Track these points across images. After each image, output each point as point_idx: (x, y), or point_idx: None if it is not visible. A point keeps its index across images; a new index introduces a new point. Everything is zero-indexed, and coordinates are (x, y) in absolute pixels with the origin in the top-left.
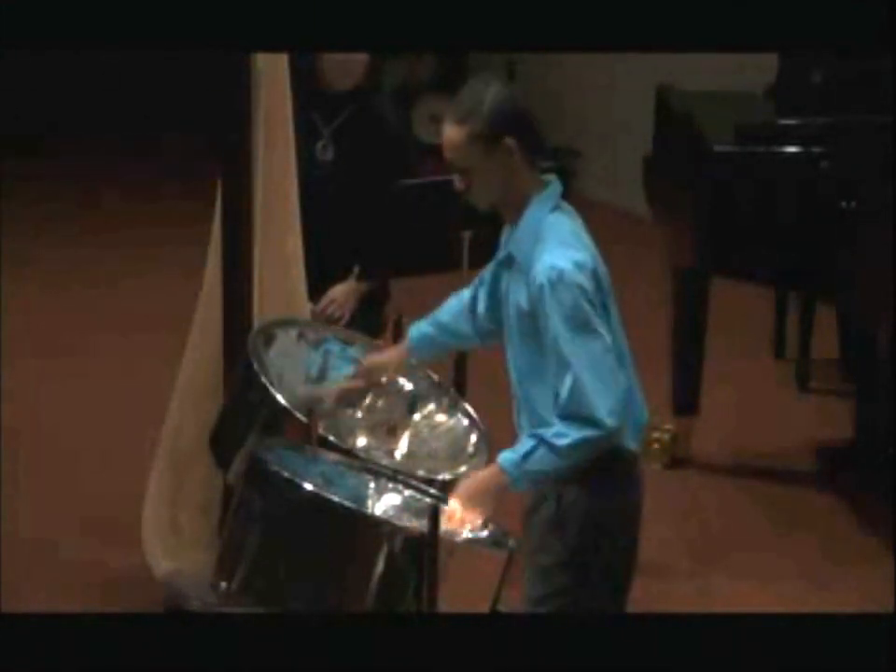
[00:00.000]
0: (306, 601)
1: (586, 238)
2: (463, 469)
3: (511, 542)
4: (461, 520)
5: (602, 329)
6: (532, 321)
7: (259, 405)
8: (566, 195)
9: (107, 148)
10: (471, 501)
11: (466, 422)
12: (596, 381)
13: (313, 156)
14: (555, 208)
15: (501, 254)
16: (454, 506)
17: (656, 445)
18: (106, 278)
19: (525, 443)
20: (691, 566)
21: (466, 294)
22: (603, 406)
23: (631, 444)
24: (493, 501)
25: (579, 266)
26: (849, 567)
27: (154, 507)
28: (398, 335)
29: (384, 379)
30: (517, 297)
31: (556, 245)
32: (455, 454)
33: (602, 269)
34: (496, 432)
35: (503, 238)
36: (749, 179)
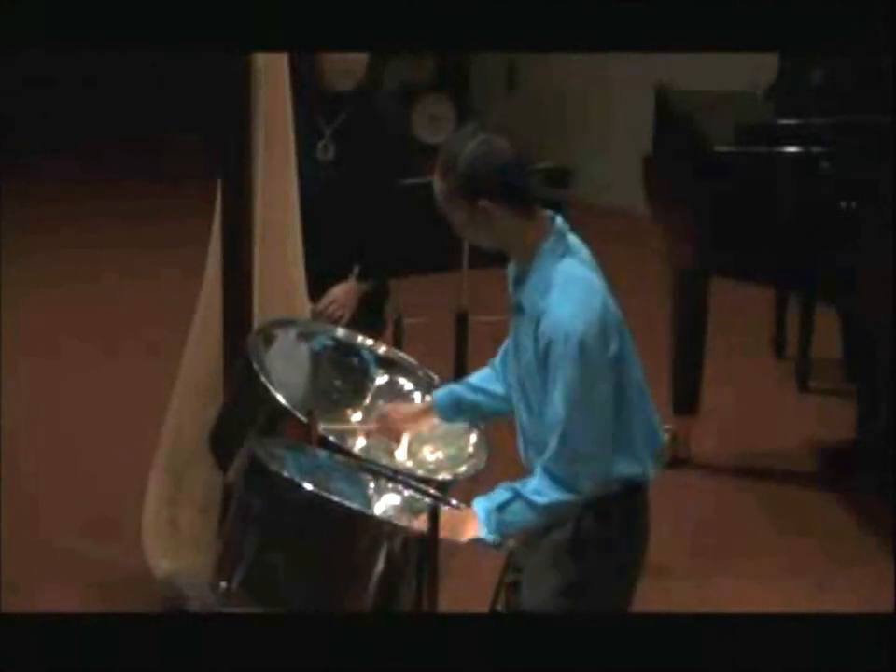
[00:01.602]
0: (306, 601)
1: (597, 282)
2: (462, 469)
3: (511, 542)
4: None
5: (603, 392)
6: (537, 372)
7: (258, 405)
8: (564, 198)
9: (107, 148)
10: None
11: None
12: (586, 446)
13: (313, 156)
14: (565, 254)
15: (512, 300)
16: None
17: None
18: (106, 278)
19: (500, 494)
20: (691, 566)
21: (498, 363)
22: (587, 474)
23: (651, 473)
24: (457, 536)
25: (585, 325)
26: (849, 567)
27: (154, 507)
28: (398, 335)
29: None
30: (526, 346)
31: (565, 300)
32: (455, 454)
33: (612, 314)
34: (495, 432)
35: (509, 272)
36: (749, 179)
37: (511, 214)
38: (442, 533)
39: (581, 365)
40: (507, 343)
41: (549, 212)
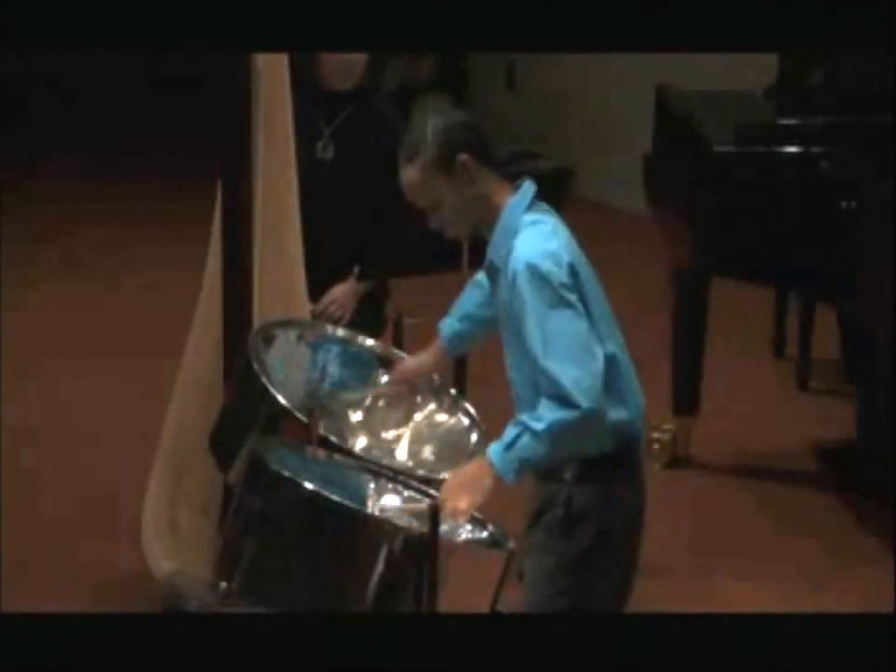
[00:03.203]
0: (306, 601)
1: (563, 233)
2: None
3: (511, 542)
4: (451, 512)
5: (575, 312)
6: (517, 321)
7: (259, 405)
8: (565, 197)
9: (108, 148)
10: (459, 491)
11: (466, 421)
12: (568, 362)
13: (313, 156)
14: (529, 209)
15: (484, 266)
16: (443, 496)
17: (656, 445)
18: (106, 278)
19: (508, 432)
20: (691, 566)
21: (482, 279)
22: (575, 386)
23: (635, 427)
24: (480, 492)
25: (550, 256)
26: (849, 567)
27: (154, 507)
28: (398, 335)
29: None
30: (504, 300)
31: (529, 238)
32: (456, 453)
33: (580, 260)
34: (496, 432)
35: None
36: (749, 179)
37: (485, 169)
38: (459, 486)
39: (546, 287)
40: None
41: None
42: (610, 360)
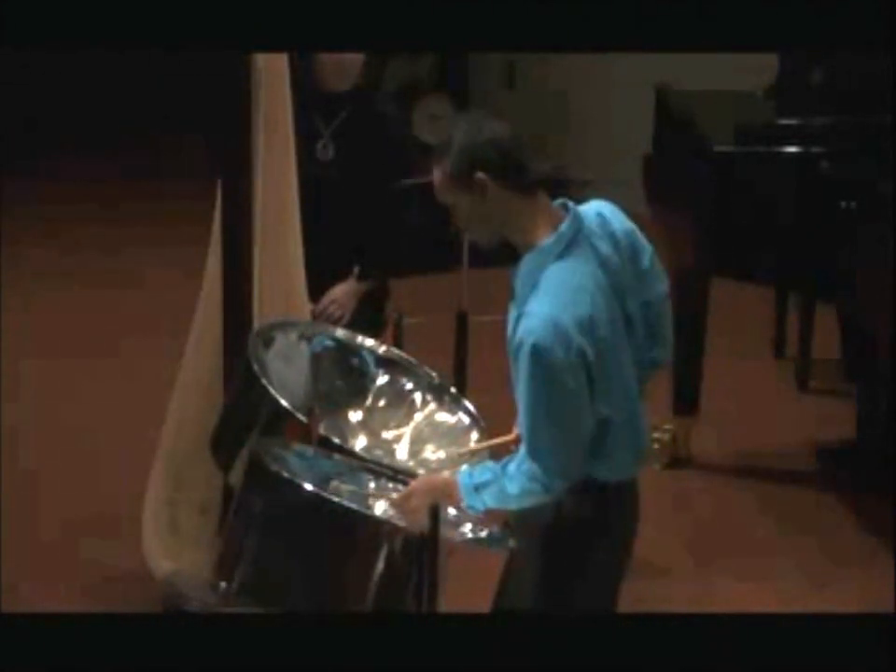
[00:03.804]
0: (306, 601)
1: (589, 290)
2: (464, 468)
3: (511, 542)
4: (405, 508)
5: (566, 396)
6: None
7: (259, 406)
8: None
9: (107, 148)
10: (424, 494)
11: (467, 420)
12: (550, 444)
13: (313, 156)
14: (563, 255)
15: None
16: (408, 490)
17: (656, 445)
18: (106, 278)
19: (482, 473)
20: (691, 566)
21: None
22: (555, 473)
23: (631, 472)
24: (441, 502)
25: (558, 335)
26: (849, 567)
27: (154, 507)
28: (398, 335)
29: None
30: (510, 333)
31: (545, 302)
32: (456, 453)
33: (600, 318)
34: (496, 431)
35: None
36: (749, 179)
37: (507, 191)
38: (427, 490)
39: (544, 371)
40: None
41: (561, 201)
42: (602, 423)
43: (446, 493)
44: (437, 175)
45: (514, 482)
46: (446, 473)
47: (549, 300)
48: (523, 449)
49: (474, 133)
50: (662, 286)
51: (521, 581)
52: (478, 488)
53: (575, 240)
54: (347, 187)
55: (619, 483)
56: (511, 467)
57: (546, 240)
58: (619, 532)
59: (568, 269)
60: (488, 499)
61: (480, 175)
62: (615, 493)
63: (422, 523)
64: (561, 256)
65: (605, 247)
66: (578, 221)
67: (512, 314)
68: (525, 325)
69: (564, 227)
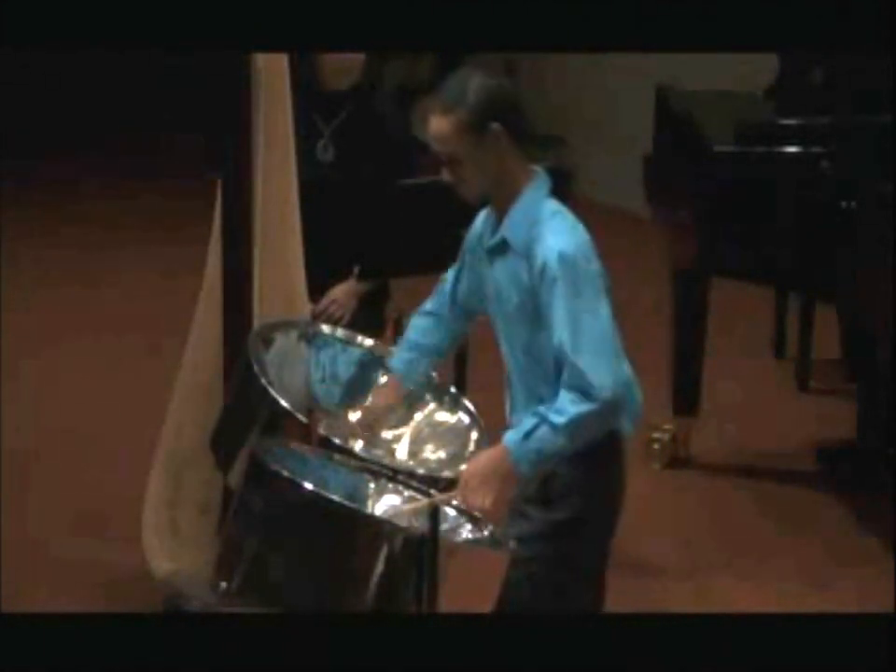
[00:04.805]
0: (306, 601)
1: (581, 226)
2: (464, 467)
3: (512, 542)
4: (479, 511)
5: (604, 308)
6: (532, 300)
7: (258, 406)
8: (565, 196)
9: (107, 148)
10: (480, 486)
11: (467, 420)
12: (594, 356)
13: (313, 156)
14: (547, 195)
15: (491, 241)
16: (464, 494)
17: (656, 445)
18: (106, 278)
19: (526, 422)
20: (691, 566)
21: (428, 305)
22: (599, 381)
23: (627, 427)
24: (502, 482)
25: (583, 247)
26: (849, 567)
27: (154, 507)
28: (398, 335)
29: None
30: (516, 279)
31: (557, 228)
32: (456, 452)
33: (594, 249)
34: (496, 431)
35: (474, 226)
36: (749, 179)
37: (512, 146)
38: (480, 481)
39: (580, 279)
40: (457, 278)
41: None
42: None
43: (494, 466)
44: (442, 125)
45: (562, 413)
46: (483, 453)
47: (558, 226)
48: (563, 378)
49: (490, 84)
50: None
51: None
52: (527, 436)
53: (549, 188)
54: (347, 187)
55: (611, 446)
56: (555, 403)
57: (532, 183)
58: (621, 485)
59: (561, 210)
60: (541, 443)
61: (496, 125)
62: (609, 454)
63: (495, 511)
64: (546, 196)
65: None
66: (546, 173)
67: (507, 261)
68: (546, 247)
69: (542, 173)
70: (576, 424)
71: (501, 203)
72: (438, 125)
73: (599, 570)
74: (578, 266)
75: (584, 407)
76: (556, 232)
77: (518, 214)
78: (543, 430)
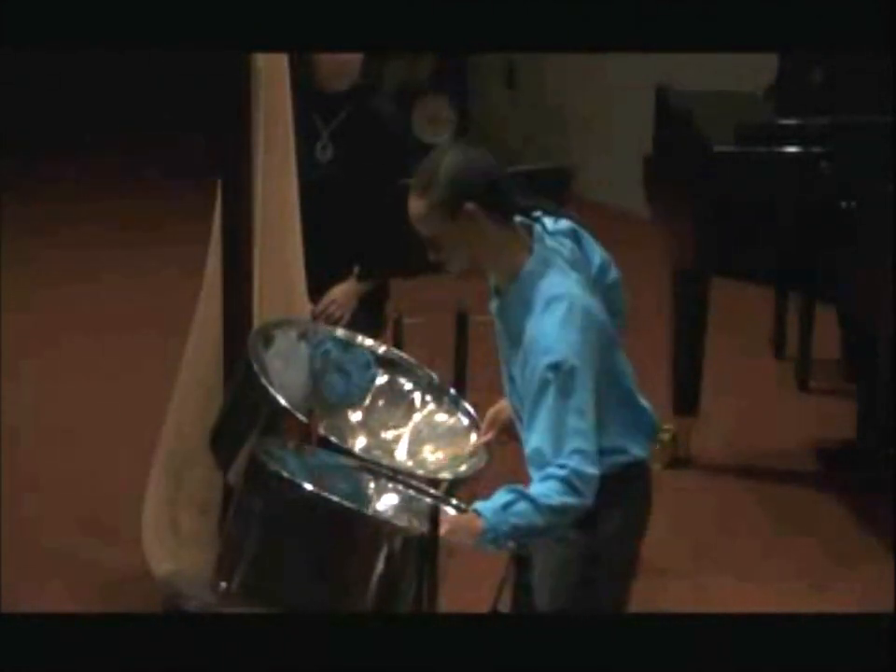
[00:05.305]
0: (306, 601)
1: (577, 292)
2: (463, 468)
3: (511, 542)
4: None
5: (587, 407)
6: (528, 397)
7: (258, 405)
8: (565, 196)
9: (107, 148)
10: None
11: (466, 421)
12: (582, 457)
13: (312, 156)
14: (545, 272)
15: (493, 308)
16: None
17: (656, 445)
18: (106, 278)
19: (502, 496)
20: (691, 566)
21: None
22: (587, 481)
23: (639, 452)
24: (460, 537)
25: (574, 346)
26: (849, 567)
27: (154, 507)
28: (398, 335)
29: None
30: (511, 360)
31: (550, 326)
32: (456, 453)
33: (595, 322)
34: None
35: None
36: (749, 179)
37: (493, 222)
38: (445, 534)
39: (570, 381)
40: None
41: (528, 225)
42: (616, 414)
43: (465, 526)
44: (417, 206)
45: (549, 497)
46: (462, 514)
47: (551, 322)
48: (546, 472)
49: (461, 162)
50: (614, 271)
51: (546, 566)
52: (505, 507)
53: (547, 255)
54: (347, 187)
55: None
56: (541, 486)
57: (527, 263)
58: (639, 513)
59: (556, 283)
60: (519, 518)
61: (470, 205)
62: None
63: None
64: (543, 275)
65: (567, 245)
66: (542, 232)
67: (505, 338)
68: (537, 353)
69: (537, 246)
70: (559, 511)
71: (501, 278)
72: (413, 207)
73: (625, 596)
74: (572, 371)
75: (571, 500)
76: (549, 336)
77: (514, 298)
78: (522, 505)
